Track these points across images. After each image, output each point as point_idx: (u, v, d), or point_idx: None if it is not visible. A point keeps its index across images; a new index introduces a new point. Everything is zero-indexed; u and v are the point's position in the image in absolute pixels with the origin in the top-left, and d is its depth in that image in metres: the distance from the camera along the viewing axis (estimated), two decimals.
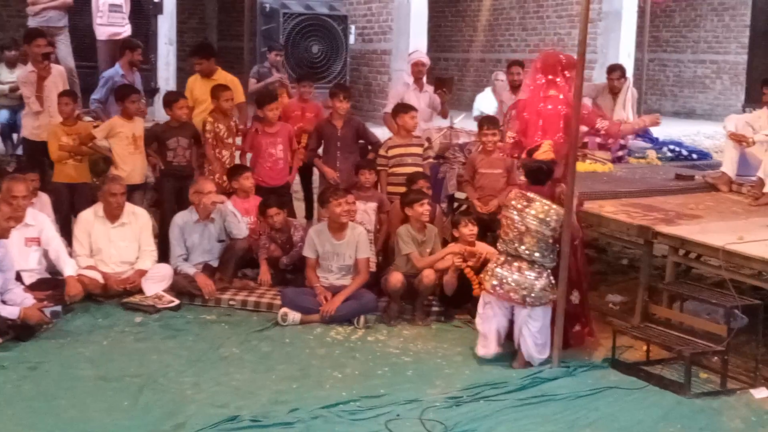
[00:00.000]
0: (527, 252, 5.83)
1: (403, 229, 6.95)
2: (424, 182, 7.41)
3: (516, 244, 5.86)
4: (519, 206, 5.89)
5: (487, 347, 5.99)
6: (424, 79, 9.55)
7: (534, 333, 5.85)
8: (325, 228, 7.00)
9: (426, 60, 9.65)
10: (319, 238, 6.96)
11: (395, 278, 6.72)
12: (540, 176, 6.03)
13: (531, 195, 5.92)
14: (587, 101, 10.02)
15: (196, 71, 8.76)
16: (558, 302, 5.87)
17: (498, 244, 6.10)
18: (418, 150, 7.99)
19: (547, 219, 5.80)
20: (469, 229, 6.89)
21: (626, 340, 6.17)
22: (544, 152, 6.18)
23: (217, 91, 8.09)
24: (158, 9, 12.66)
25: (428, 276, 6.74)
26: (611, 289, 7.62)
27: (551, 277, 5.87)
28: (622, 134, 6.67)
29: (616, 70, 10.35)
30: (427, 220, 7.00)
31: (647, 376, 5.71)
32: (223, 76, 8.71)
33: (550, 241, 5.85)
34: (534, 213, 5.83)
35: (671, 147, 9.96)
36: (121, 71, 9.26)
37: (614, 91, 10.24)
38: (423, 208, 6.89)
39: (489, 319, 5.97)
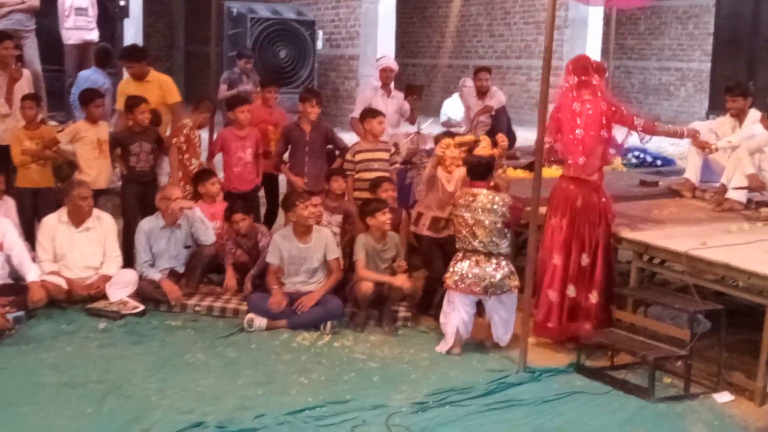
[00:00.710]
0: (482, 244, 6.24)
1: (361, 238, 6.91)
2: (388, 184, 7.40)
3: (470, 239, 6.27)
4: (466, 203, 6.31)
5: (444, 343, 6.33)
6: (392, 84, 9.59)
7: (504, 318, 6.32)
8: (290, 232, 6.98)
9: (394, 66, 9.69)
10: (284, 242, 6.93)
11: (365, 286, 6.71)
12: (481, 171, 6.45)
13: (475, 190, 6.35)
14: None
15: (129, 74, 8.64)
16: (525, 297, 6.02)
17: (456, 244, 6.42)
18: (385, 155, 8.00)
19: (494, 207, 6.25)
20: (387, 217, 6.92)
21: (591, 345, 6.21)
22: (483, 148, 6.75)
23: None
24: (124, 13, 12.58)
25: (366, 286, 6.69)
26: None
27: (511, 266, 6.33)
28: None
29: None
30: (388, 229, 6.98)
31: (612, 381, 5.75)
32: (156, 77, 8.66)
33: (500, 226, 6.26)
34: (481, 205, 6.26)
35: (636, 153, 10.03)
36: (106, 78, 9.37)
37: None
38: (385, 217, 6.87)
39: (448, 315, 6.32)
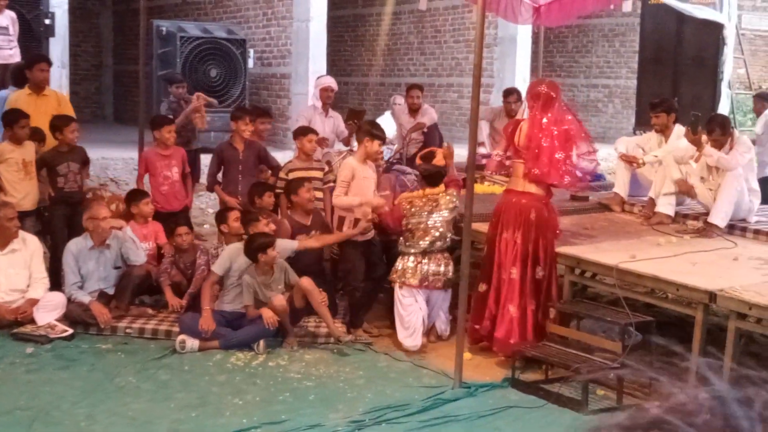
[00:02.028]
0: (429, 243, 6.75)
1: (247, 278, 6.73)
2: (267, 196, 7.58)
3: (421, 242, 6.74)
4: (429, 208, 6.80)
5: (416, 338, 6.71)
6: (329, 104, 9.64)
7: (445, 311, 6.90)
8: (240, 246, 6.87)
9: (334, 85, 9.82)
10: (237, 256, 6.77)
11: (278, 301, 6.59)
12: (438, 179, 6.96)
13: (437, 198, 6.84)
14: (484, 124, 10.21)
15: (28, 86, 8.47)
16: (460, 312, 6.06)
17: (402, 248, 6.84)
18: (319, 174, 7.97)
19: (453, 206, 6.85)
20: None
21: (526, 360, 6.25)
22: (438, 160, 7.36)
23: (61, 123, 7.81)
24: (49, 32, 12.36)
25: (280, 302, 6.63)
26: None
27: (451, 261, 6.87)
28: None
29: (512, 94, 10.57)
30: (274, 264, 6.79)
31: (546, 395, 5.79)
32: (53, 91, 8.62)
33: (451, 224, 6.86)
34: (445, 206, 6.82)
35: None
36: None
37: (511, 114, 10.42)
38: (274, 252, 6.73)
39: (416, 312, 6.74)
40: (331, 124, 9.49)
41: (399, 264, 6.86)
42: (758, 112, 11.30)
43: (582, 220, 7.73)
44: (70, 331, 6.75)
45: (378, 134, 7.23)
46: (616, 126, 18.93)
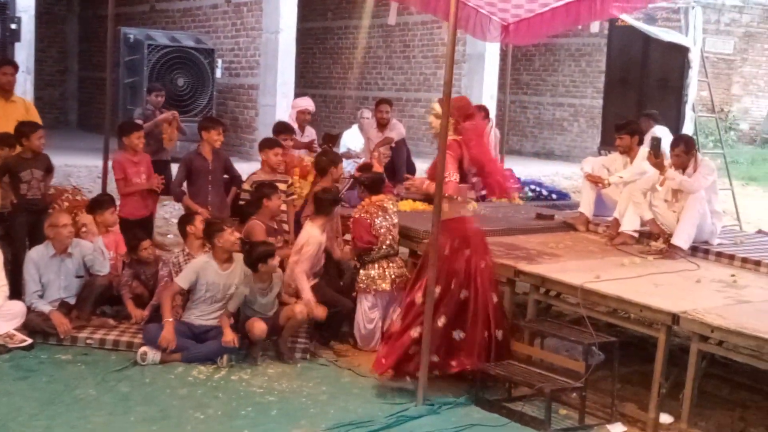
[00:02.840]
0: (393, 246, 7.19)
1: (242, 289, 6.75)
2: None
3: (384, 247, 7.11)
4: (381, 213, 7.17)
5: (373, 340, 7.06)
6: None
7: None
8: (211, 259, 6.84)
9: (312, 108, 9.97)
10: (204, 269, 6.75)
11: (258, 328, 6.60)
12: (381, 186, 7.42)
13: (382, 202, 7.24)
14: None
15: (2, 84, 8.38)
16: (425, 330, 5.99)
17: (367, 258, 7.13)
18: (283, 186, 7.95)
19: (397, 209, 7.39)
20: (281, 203, 7.51)
21: (489, 377, 6.24)
22: (376, 168, 8.17)
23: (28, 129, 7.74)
24: (15, 36, 12.22)
25: (301, 312, 6.72)
26: None
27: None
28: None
29: (480, 111, 10.60)
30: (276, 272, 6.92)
31: (509, 413, 5.80)
32: (20, 98, 8.60)
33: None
34: (392, 210, 7.28)
35: (532, 186, 10.25)
36: None
37: None
38: (275, 262, 6.81)
39: (375, 319, 7.10)
40: (306, 141, 9.63)
41: (364, 274, 7.12)
42: (645, 131, 11.03)
43: (547, 239, 7.76)
44: (30, 341, 6.64)
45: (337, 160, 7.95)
46: (581, 145, 19.10)
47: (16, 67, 8.68)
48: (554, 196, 10.22)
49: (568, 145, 19.66)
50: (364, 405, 5.87)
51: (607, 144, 12.19)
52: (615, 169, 8.17)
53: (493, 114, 13.08)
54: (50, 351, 6.61)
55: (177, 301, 6.81)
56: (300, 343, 6.90)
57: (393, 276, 7.11)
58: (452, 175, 6.18)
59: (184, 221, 7.42)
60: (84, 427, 5.24)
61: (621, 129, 8.22)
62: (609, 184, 8.00)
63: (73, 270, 7.12)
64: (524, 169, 13.94)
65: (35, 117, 8.45)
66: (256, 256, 6.70)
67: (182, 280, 6.74)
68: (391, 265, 7.14)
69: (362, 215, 7.23)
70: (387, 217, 7.20)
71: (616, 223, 7.73)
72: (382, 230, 7.15)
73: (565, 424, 5.73)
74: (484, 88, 16.24)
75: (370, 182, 7.39)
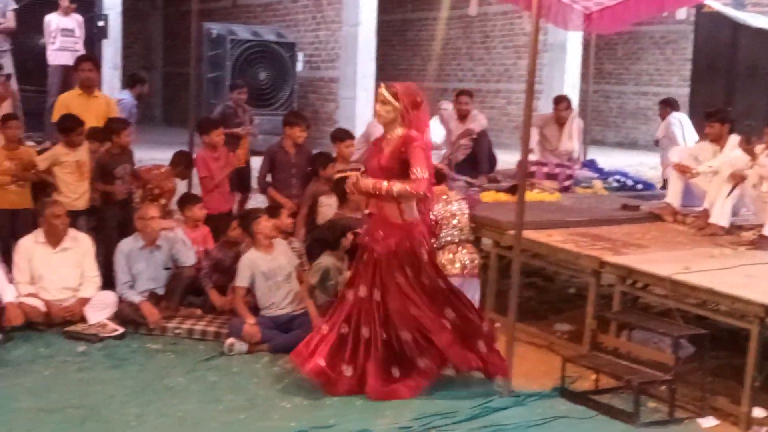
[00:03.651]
0: (460, 231, 6.98)
1: (327, 260, 6.88)
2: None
3: (454, 231, 6.95)
4: (444, 198, 6.99)
5: None
6: None
7: (478, 300, 6.88)
8: (253, 251, 6.93)
9: None
10: (253, 262, 6.85)
11: None
12: (438, 176, 7.01)
13: (443, 192, 7.03)
14: (534, 131, 10.15)
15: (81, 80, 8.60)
16: (509, 320, 5.94)
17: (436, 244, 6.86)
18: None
19: (462, 199, 7.20)
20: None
21: (575, 369, 6.18)
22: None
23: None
24: (103, 33, 12.53)
25: None
26: (559, 318, 7.64)
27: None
28: None
29: (563, 101, 10.49)
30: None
31: (596, 406, 5.72)
32: (102, 94, 8.77)
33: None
34: (457, 199, 7.10)
35: (617, 177, 10.09)
36: (133, 100, 9.48)
37: (560, 122, 10.37)
38: (348, 241, 6.91)
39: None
40: None
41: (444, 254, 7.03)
42: (663, 117, 11.85)
43: (633, 230, 7.63)
44: (121, 330, 6.81)
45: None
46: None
47: (95, 64, 8.88)
48: (640, 186, 10.03)
49: (652, 135, 19.08)
50: (449, 396, 5.85)
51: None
52: (704, 158, 7.98)
53: (575, 104, 12.90)
54: (141, 340, 6.76)
55: (248, 301, 6.89)
56: None
57: (464, 261, 7.02)
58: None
59: (271, 214, 7.42)
60: (174, 414, 5.34)
61: (711, 117, 8.03)
62: (697, 174, 7.82)
63: (161, 261, 7.27)
64: (607, 159, 13.72)
65: (115, 112, 8.68)
66: (339, 230, 6.83)
67: (241, 280, 6.82)
68: (461, 250, 7.01)
69: None
70: (447, 205, 7.07)
71: (706, 213, 7.55)
72: (444, 217, 6.96)
73: (654, 417, 5.62)
74: (566, 78, 16.02)
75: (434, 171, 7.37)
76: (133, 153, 8.15)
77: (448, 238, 7.01)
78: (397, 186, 5.60)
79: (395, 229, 5.70)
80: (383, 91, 5.70)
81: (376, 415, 5.46)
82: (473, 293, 6.90)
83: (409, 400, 5.73)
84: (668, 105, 11.75)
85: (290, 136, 8.18)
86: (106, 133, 7.94)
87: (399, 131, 5.69)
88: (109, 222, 7.81)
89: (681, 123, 11.79)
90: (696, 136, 12.17)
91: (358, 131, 10.03)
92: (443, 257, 7.01)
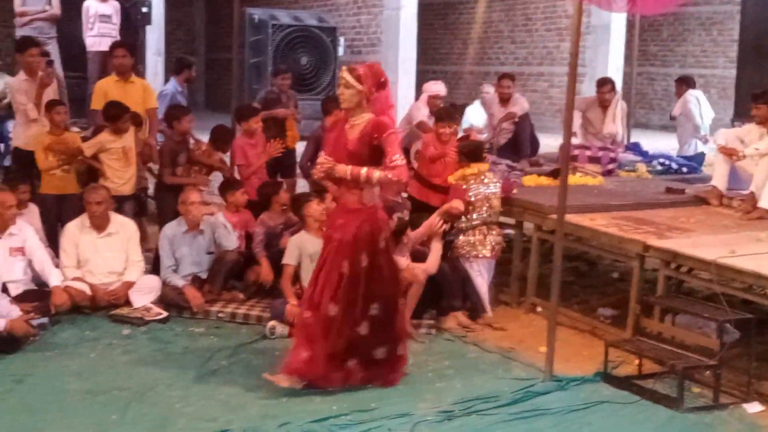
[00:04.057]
0: (488, 213, 7.16)
1: None
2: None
3: (484, 213, 7.13)
4: (479, 180, 7.18)
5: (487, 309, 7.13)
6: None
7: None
8: (303, 233, 6.96)
9: (444, 92, 9.81)
10: (302, 243, 6.88)
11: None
12: (479, 154, 7.40)
13: (481, 172, 7.24)
14: (577, 115, 10.05)
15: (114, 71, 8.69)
16: (551, 304, 5.92)
17: (464, 224, 7.12)
18: None
19: (497, 181, 7.37)
20: (321, 206, 6.99)
21: (618, 354, 6.13)
22: (473, 137, 8.38)
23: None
24: (146, 20, 12.63)
25: (425, 271, 6.76)
26: (602, 303, 7.58)
27: None
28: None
29: (606, 84, 10.38)
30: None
31: (640, 391, 5.67)
32: (138, 79, 8.91)
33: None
34: (490, 180, 7.26)
35: (661, 160, 9.96)
36: (179, 87, 9.43)
37: (604, 105, 10.26)
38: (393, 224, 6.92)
39: (483, 284, 7.10)
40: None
41: (464, 241, 7.14)
42: (680, 95, 12.14)
43: (677, 214, 7.53)
44: (165, 314, 6.88)
45: None
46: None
47: (129, 49, 8.95)
48: (684, 169, 9.90)
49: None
50: (490, 380, 5.85)
51: (741, 115, 11.79)
52: (750, 140, 7.84)
53: (619, 86, 12.74)
54: (184, 324, 6.83)
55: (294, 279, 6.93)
56: (426, 318, 6.91)
57: (493, 243, 7.14)
58: (402, 158, 5.44)
59: (295, 207, 7.45)
60: (217, 397, 5.39)
61: (758, 98, 7.88)
62: (744, 156, 7.69)
63: (204, 246, 7.34)
64: (652, 142, 13.55)
65: (152, 97, 8.79)
66: (398, 228, 6.81)
67: (289, 258, 6.84)
68: (491, 232, 7.17)
69: (459, 182, 7.30)
70: (484, 186, 7.21)
71: (752, 197, 7.42)
72: (478, 197, 7.17)
73: (698, 402, 5.57)
74: (610, 60, 15.84)
75: (468, 150, 7.45)
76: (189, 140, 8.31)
77: (479, 222, 7.13)
78: (377, 173, 5.36)
79: (355, 214, 5.50)
80: (345, 75, 5.46)
81: (417, 399, 5.47)
82: (491, 273, 7.19)
83: (449, 384, 5.73)
84: (684, 83, 12.02)
85: (327, 123, 8.22)
86: (168, 119, 8.08)
87: (366, 116, 5.46)
88: (167, 208, 7.93)
89: (698, 101, 11.92)
90: (712, 114, 12.21)
91: (400, 115, 9.99)
92: (473, 237, 7.13)
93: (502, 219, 8.03)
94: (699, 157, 11.36)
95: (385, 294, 5.58)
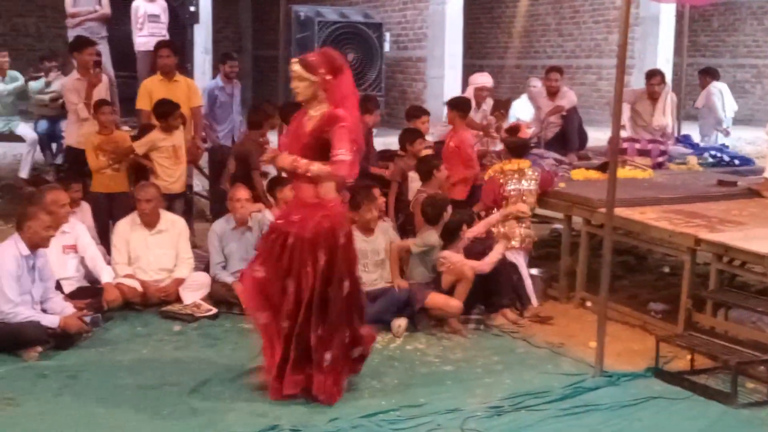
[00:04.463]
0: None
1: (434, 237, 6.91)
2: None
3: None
4: (518, 176, 7.42)
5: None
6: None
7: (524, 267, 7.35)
8: (355, 230, 6.94)
9: (490, 84, 9.83)
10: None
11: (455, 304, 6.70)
12: (523, 150, 7.69)
13: (522, 168, 7.48)
14: (625, 107, 9.95)
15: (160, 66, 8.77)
16: (601, 299, 5.86)
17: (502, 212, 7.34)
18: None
19: (537, 178, 7.53)
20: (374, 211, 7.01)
21: (670, 349, 6.06)
22: (522, 133, 8.44)
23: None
24: (194, 18, 12.73)
25: (472, 268, 6.78)
26: (653, 297, 7.48)
27: None
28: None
29: (655, 76, 10.26)
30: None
31: (692, 386, 5.60)
32: (182, 77, 8.97)
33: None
34: (531, 177, 7.47)
35: (712, 153, 9.82)
36: (220, 83, 9.50)
37: (653, 97, 10.14)
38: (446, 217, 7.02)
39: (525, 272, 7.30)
40: (479, 116, 9.57)
41: (495, 231, 7.35)
42: (703, 87, 12.42)
43: (730, 206, 7.41)
44: (215, 310, 6.94)
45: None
46: (764, 108, 18.14)
47: (174, 49, 9.02)
48: (737, 161, 9.74)
49: (750, 109, 18.65)
50: (540, 376, 5.82)
51: None
52: None
53: (669, 78, 12.58)
54: (234, 320, 6.88)
55: None
56: (474, 313, 6.88)
57: (523, 235, 7.35)
58: (347, 154, 5.10)
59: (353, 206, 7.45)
60: (267, 394, 5.41)
61: None
62: None
63: (252, 242, 7.36)
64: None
65: (197, 95, 8.86)
66: (440, 205, 7.03)
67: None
68: (522, 225, 7.38)
69: (496, 175, 7.50)
70: (523, 182, 7.40)
71: None
72: (513, 193, 7.40)
73: (753, 398, 5.48)
74: (659, 52, 15.61)
75: (514, 146, 7.70)
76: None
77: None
78: (315, 166, 5.10)
79: (312, 209, 5.19)
80: (295, 66, 5.19)
81: (467, 395, 5.46)
82: (523, 263, 7.31)
83: (499, 379, 5.71)
84: (708, 74, 12.24)
85: (368, 122, 8.23)
86: (254, 122, 8.42)
87: (322, 107, 5.18)
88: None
89: (721, 93, 11.80)
90: (735, 107, 12.12)
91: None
92: (505, 228, 7.28)
93: (549, 213, 8.03)
94: None
95: (340, 295, 5.20)
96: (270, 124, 8.71)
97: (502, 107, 9.69)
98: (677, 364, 5.99)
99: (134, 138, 8.33)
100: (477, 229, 7.14)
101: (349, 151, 5.08)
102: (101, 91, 8.51)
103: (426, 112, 8.86)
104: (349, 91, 5.30)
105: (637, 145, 9.51)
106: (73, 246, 6.99)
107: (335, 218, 5.21)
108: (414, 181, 7.98)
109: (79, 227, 7.08)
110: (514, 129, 8.78)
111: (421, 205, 7.18)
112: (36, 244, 6.14)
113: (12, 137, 10.68)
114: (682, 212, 7.07)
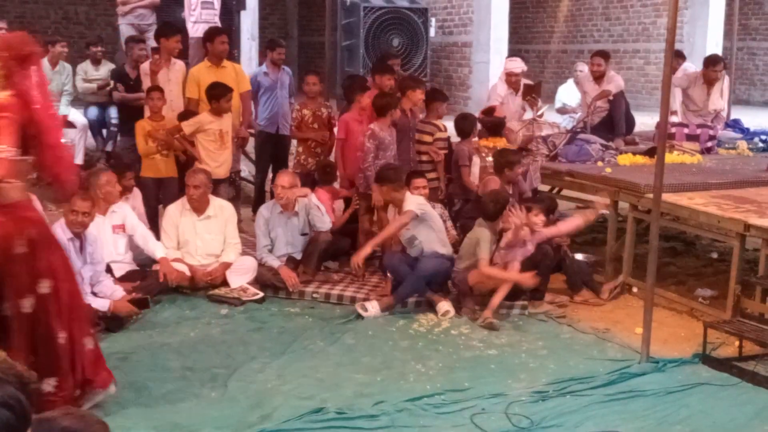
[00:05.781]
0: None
1: (486, 234, 6.83)
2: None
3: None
4: (485, 154, 7.91)
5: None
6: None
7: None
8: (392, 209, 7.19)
9: (518, 70, 9.55)
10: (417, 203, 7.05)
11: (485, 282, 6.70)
12: (499, 129, 8.20)
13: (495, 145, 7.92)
14: (678, 92, 9.84)
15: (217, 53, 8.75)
16: (648, 285, 5.80)
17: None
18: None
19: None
20: (540, 218, 6.90)
21: (717, 335, 6.01)
22: (498, 113, 8.71)
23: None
24: (241, 5, 12.78)
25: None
26: (701, 283, 7.42)
27: None
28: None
29: (718, 63, 10.12)
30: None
31: (740, 373, 5.54)
32: (230, 63, 8.93)
33: None
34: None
35: (763, 137, 9.67)
36: (265, 69, 9.57)
37: (711, 82, 9.98)
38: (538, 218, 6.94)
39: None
40: (518, 100, 9.49)
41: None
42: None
43: None
44: (261, 294, 7.01)
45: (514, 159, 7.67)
46: None
47: (230, 36, 9.08)
48: None
49: None
50: (585, 361, 5.80)
51: None
52: None
53: None
54: (280, 304, 6.95)
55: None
56: (518, 301, 6.87)
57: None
58: (3, 151, 4.27)
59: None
60: (314, 376, 5.48)
61: None
62: None
63: (298, 227, 7.44)
64: (753, 119, 13.15)
65: (245, 80, 8.89)
66: (501, 202, 6.88)
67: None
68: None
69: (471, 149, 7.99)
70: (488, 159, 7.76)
71: None
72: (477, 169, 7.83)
73: None
74: (709, 36, 15.41)
75: (490, 125, 8.22)
76: None
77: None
78: None
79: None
80: None
81: (511, 379, 5.46)
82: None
83: (543, 364, 5.71)
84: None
85: (411, 99, 8.09)
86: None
87: (5, 95, 4.35)
88: None
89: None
90: None
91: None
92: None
93: (587, 197, 7.94)
94: None
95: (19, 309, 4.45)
96: None
97: (532, 91, 9.57)
98: (725, 350, 5.94)
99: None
100: (552, 231, 7.03)
101: (9, 145, 4.27)
102: (179, 78, 8.65)
103: (423, 85, 8.57)
104: (34, 84, 4.49)
105: (686, 130, 9.41)
106: (121, 225, 7.08)
107: (13, 224, 4.40)
108: (475, 165, 7.97)
109: (125, 207, 7.18)
110: (490, 110, 8.88)
111: (485, 197, 7.12)
112: (74, 226, 6.22)
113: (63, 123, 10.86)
114: (731, 197, 6.98)
